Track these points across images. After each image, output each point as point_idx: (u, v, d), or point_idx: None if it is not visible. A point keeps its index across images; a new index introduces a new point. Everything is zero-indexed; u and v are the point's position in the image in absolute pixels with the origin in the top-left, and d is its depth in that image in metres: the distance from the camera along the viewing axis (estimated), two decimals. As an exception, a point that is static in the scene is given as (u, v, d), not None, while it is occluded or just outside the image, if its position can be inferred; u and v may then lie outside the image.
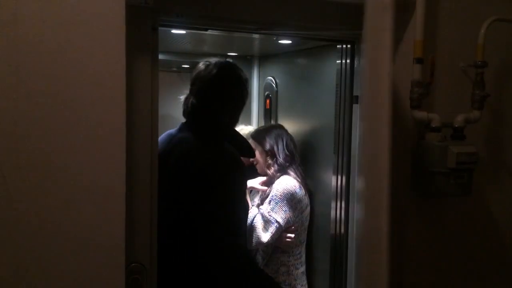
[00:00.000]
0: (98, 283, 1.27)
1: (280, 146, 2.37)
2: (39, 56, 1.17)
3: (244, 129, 2.68)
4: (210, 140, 1.69)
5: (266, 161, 2.38)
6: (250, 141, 2.38)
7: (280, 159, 2.34)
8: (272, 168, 2.34)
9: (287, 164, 2.33)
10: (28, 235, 1.19)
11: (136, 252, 1.45)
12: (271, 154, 2.37)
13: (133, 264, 1.44)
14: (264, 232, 2.16)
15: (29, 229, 1.19)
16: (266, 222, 2.17)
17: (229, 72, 1.81)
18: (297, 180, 2.28)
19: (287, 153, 2.36)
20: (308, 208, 2.32)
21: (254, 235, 2.18)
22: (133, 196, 1.41)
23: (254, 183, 2.42)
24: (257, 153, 2.38)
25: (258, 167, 2.44)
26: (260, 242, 2.17)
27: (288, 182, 2.25)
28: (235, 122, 1.88)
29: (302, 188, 2.27)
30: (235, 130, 1.84)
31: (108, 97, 1.24)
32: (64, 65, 1.19)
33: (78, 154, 1.22)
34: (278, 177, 2.31)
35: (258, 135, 2.45)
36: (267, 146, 2.38)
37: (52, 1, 1.17)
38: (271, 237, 2.15)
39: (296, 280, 2.27)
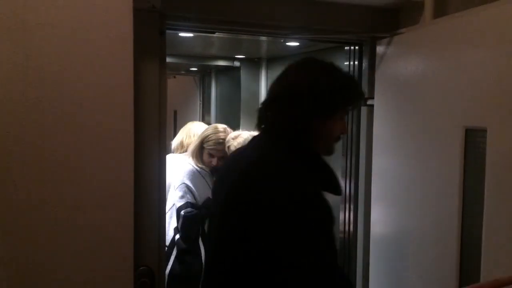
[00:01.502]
0: (108, 286, 1.27)
1: None
2: (47, 61, 1.18)
3: (241, 134, 2.50)
4: (295, 162, 1.24)
5: None
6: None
7: None
8: None
9: None
10: (38, 239, 1.20)
11: (145, 255, 1.45)
12: None
13: (141, 268, 1.44)
14: None
15: (39, 233, 1.20)
16: None
17: (317, 72, 1.32)
18: None
19: None
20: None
21: None
22: (141, 200, 1.42)
23: None
24: None
25: None
26: None
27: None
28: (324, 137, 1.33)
29: None
30: (323, 159, 1.35)
31: (116, 101, 1.25)
32: (72, 69, 1.20)
33: (87, 159, 1.22)
34: None
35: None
36: None
37: (60, 6, 1.18)
38: None
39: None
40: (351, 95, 1.34)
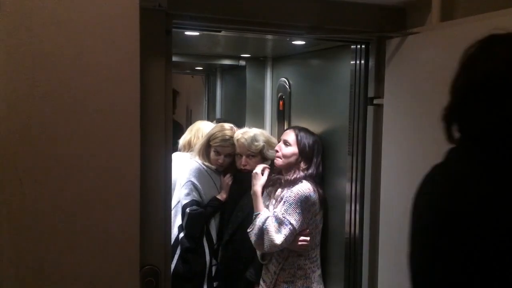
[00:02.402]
0: (113, 285, 1.28)
1: (318, 159, 2.29)
2: (54, 60, 1.18)
3: (250, 130, 2.52)
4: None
5: (296, 162, 2.26)
6: (290, 132, 2.32)
7: (311, 171, 2.26)
8: (296, 173, 2.24)
9: (311, 178, 2.26)
10: (43, 237, 1.20)
11: (150, 255, 1.45)
12: (306, 159, 2.27)
13: (147, 267, 1.45)
14: (277, 233, 2.13)
15: (44, 232, 1.20)
16: (280, 223, 2.13)
17: None
18: (312, 185, 2.24)
19: (317, 170, 2.28)
20: (321, 212, 2.29)
21: (266, 239, 2.14)
22: (147, 199, 1.42)
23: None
24: (290, 149, 2.28)
25: (279, 161, 2.30)
26: (273, 245, 2.12)
27: (302, 186, 2.21)
28: None
29: (316, 192, 2.23)
30: None
31: (122, 100, 1.25)
32: (78, 69, 1.20)
33: (93, 158, 1.23)
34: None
35: (305, 134, 2.32)
36: (306, 150, 2.26)
37: (67, 6, 1.18)
38: (285, 239, 2.11)
39: (314, 283, 2.23)
40: None
